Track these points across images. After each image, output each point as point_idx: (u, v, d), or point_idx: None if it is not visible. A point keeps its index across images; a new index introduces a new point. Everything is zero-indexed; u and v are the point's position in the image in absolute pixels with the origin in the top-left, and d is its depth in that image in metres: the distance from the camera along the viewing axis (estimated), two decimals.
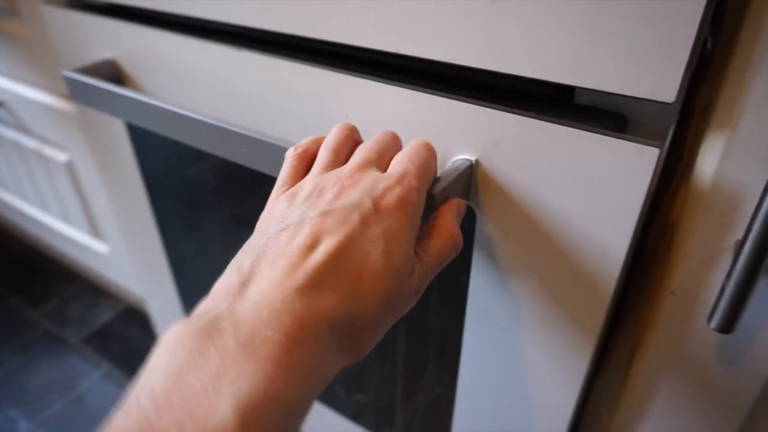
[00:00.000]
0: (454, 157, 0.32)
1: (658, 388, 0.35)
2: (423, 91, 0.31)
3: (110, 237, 0.89)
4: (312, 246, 0.23)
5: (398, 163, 0.28)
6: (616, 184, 0.27)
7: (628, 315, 0.36)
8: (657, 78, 0.24)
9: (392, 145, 0.30)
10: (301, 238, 0.23)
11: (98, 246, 0.94)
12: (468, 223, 0.34)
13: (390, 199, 0.25)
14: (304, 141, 0.31)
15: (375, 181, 0.26)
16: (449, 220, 0.29)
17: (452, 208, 0.29)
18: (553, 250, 0.31)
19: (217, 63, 0.41)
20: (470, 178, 0.32)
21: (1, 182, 1.08)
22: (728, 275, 0.26)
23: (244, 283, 0.22)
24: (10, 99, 0.84)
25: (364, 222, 0.24)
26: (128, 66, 0.50)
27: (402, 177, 0.26)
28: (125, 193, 0.66)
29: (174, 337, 0.20)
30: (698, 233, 0.28)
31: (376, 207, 0.25)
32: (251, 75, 0.39)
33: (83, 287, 1.15)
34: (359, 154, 0.28)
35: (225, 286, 0.22)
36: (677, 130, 0.29)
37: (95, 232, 0.92)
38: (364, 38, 0.32)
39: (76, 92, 0.48)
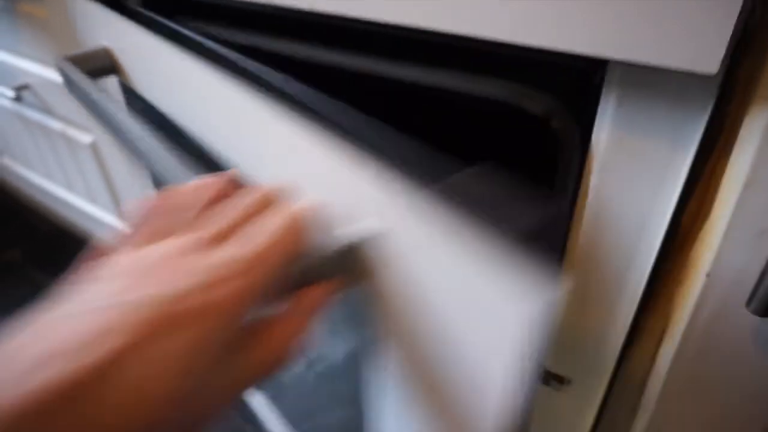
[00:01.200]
0: (352, 226, 0.28)
1: (688, 374, 0.34)
2: (336, 145, 0.27)
3: None
4: (69, 351, 0.17)
5: (247, 243, 0.22)
6: (497, 319, 0.22)
7: (657, 298, 0.35)
8: (699, 47, 0.22)
9: (256, 210, 0.24)
10: (63, 335, 0.18)
11: (124, 226, 0.95)
12: (348, 307, 0.31)
13: (210, 297, 0.20)
14: (157, 196, 0.26)
15: (199, 272, 0.20)
16: (291, 323, 0.24)
17: (307, 302, 0.24)
18: (438, 378, 0.27)
19: (194, 76, 0.41)
20: (353, 257, 0.27)
21: (28, 163, 1.10)
22: None
23: None
24: (34, 82, 0.85)
25: (161, 325, 0.19)
26: (121, 58, 0.51)
27: (239, 267, 0.21)
28: (148, 174, 0.67)
29: None
30: (737, 211, 0.27)
31: (185, 305, 0.19)
32: (216, 93, 0.39)
33: None
34: (199, 230, 0.23)
35: None
36: (718, 107, 0.27)
37: (121, 212, 0.94)
38: (378, 12, 0.31)
39: (66, 81, 0.50)
